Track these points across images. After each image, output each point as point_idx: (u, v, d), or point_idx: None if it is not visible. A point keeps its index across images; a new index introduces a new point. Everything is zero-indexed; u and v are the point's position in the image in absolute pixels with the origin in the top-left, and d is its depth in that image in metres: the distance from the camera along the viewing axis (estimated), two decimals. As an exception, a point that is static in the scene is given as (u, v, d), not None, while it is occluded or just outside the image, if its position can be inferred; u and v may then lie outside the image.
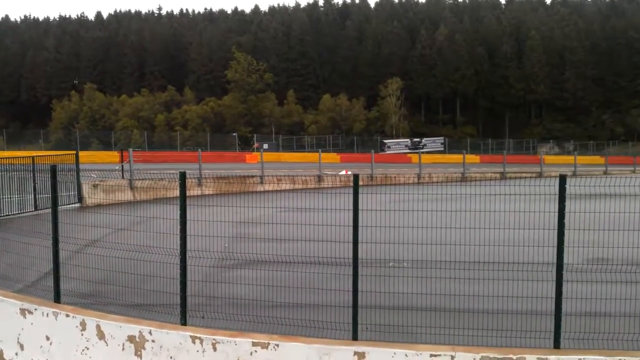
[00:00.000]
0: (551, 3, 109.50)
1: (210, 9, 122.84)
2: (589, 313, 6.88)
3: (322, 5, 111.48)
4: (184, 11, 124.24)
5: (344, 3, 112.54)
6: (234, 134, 73.92)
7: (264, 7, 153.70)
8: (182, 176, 6.83)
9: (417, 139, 76.48)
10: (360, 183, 6.52)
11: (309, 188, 22.15)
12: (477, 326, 6.39)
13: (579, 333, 5.92)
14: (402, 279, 7.21)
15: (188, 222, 6.82)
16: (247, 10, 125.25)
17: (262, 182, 23.26)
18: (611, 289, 7.17)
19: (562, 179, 5.44)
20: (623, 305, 6.86)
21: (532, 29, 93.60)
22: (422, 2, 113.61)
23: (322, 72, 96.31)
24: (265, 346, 6.06)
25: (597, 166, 46.63)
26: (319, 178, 25.32)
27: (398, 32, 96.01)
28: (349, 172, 34.35)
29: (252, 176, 23.65)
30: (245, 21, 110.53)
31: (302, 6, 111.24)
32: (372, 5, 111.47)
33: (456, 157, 45.90)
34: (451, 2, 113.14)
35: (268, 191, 20.73)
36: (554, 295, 5.80)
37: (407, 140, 76.89)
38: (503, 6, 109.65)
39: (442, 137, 77.37)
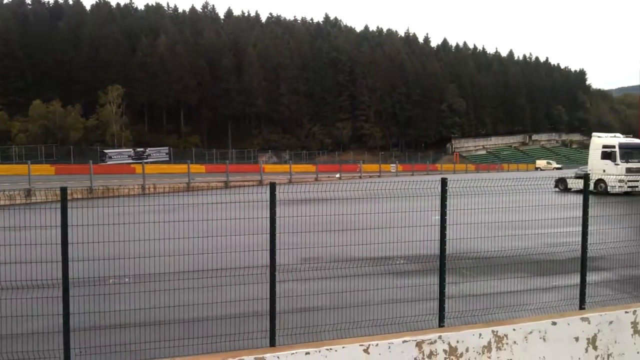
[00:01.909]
0: (266, 22, 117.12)
1: None
2: (302, 309, 7.50)
3: (30, 3, 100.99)
4: None
5: (56, 2, 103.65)
6: None
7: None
8: None
9: (141, 149, 74.41)
10: (78, 196, 6.07)
11: (16, 204, 19.83)
12: (199, 334, 6.46)
13: (293, 329, 6.40)
14: (123, 295, 6.92)
15: None
16: None
17: (-45, 200, 20.02)
18: (321, 284, 7.95)
19: (272, 187, 5.84)
20: (331, 298, 7.66)
21: (250, 45, 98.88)
22: (141, 9, 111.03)
23: (31, 75, 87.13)
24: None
25: (309, 173, 51.12)
26: (28, 192, 22.85)
27: (117, 38, 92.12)
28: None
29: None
30: None
31: (5, 2, 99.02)
32: (88, 7, 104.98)
33: (181, 167, 45.81)
34: (171, 12, 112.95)
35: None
36: (269, 296, 6.15)
37: (130, 150, 74.30)
38: (222, 21, 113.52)
39: (167, 147, 76.60)
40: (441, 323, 6.82)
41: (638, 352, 6.15)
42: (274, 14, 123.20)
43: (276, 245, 5.93)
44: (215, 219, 7.02)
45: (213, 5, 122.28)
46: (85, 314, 6.27)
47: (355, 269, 8.38)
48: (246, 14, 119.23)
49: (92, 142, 76.60)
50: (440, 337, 5.36)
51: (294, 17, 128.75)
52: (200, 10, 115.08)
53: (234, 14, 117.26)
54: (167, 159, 71.91)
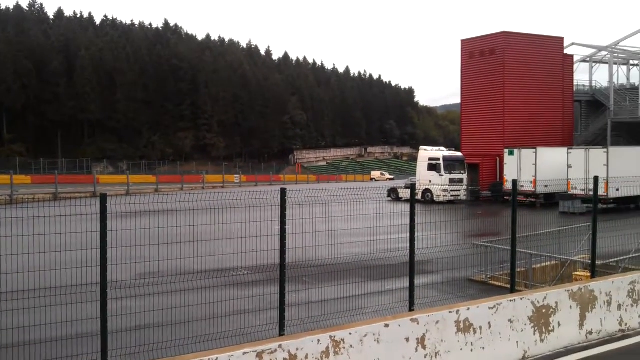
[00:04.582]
0: (101, 24, 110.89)
1: None
2: (138, 327, 7.14)
3: None
4: None
5: None
6: None
7: None
8: None
9: (-46, 158, 66.60)
10: None
11: None
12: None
13: (128, 348, 6.07)
14: None
15: None
16: None
17: None
18: (160, 300, 7.62)
19: (103, 198, 5.50)
20: (171, 314, 7.37)
21: (83, 47, 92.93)
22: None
23: None
24: None
25: (149, 184, 49.27)
26: None
27: None
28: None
29: None
30: None
31: None
32: None
33: (3, 178, 41.73)
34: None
35: None
36: (100, 315, 5.76)
37: (-59, 159, 66.14)
38: (52, 21, 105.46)
39: (-14, 156, 69.36)
40: (282, 332, 6.88)
41: (462, 349, 6.69)
42: (110, 17, 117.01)
43: (108, 260, 5.57)
44: (42, 234, 6.45)
45: (41, 4, 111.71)
46: None
47: (196, 282, 8.19)
48: (78, 15, 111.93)
49: None
50: (280, 346, 5.40)
51: (131, 21, 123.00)
52: (27, 9, 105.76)
53: (65, 15, 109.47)
54: (-14, 168, 65.03)
